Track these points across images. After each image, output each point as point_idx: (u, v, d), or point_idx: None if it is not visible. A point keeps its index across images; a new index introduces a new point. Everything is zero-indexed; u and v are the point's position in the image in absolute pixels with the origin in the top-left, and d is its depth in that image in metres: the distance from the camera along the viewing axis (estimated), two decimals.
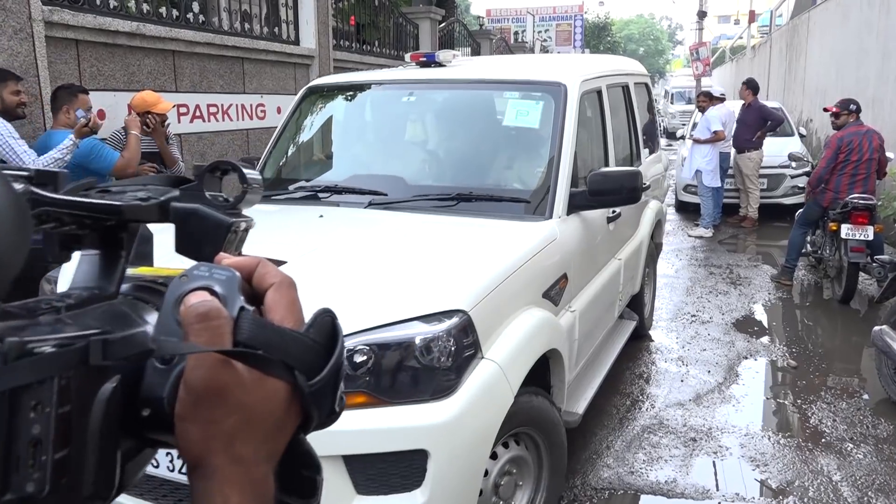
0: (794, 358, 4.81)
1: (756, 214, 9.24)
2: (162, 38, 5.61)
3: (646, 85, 5.27)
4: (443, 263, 2.45)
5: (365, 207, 3.01)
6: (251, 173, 0.57)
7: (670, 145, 18.09)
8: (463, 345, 2.13)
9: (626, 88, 4.45)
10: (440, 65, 3.70)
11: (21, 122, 4.36)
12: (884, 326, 3.93)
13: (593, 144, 3.71)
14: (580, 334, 3.06)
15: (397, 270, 2.40)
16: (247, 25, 6.96)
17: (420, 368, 2.07)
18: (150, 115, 4.66)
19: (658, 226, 5.09)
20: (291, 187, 3.43)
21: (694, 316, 5.70)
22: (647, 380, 4.48)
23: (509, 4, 32.47)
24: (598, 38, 37.32)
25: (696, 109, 9.76)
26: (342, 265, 2.46)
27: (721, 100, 9.11)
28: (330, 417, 0.50)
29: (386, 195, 3.06)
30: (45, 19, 4.51)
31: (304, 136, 3.87)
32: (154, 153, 4.88)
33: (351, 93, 3.92)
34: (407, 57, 3.94)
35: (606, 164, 3.63)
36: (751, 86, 9.21)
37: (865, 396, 4.18)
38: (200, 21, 6.18)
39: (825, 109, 6.87)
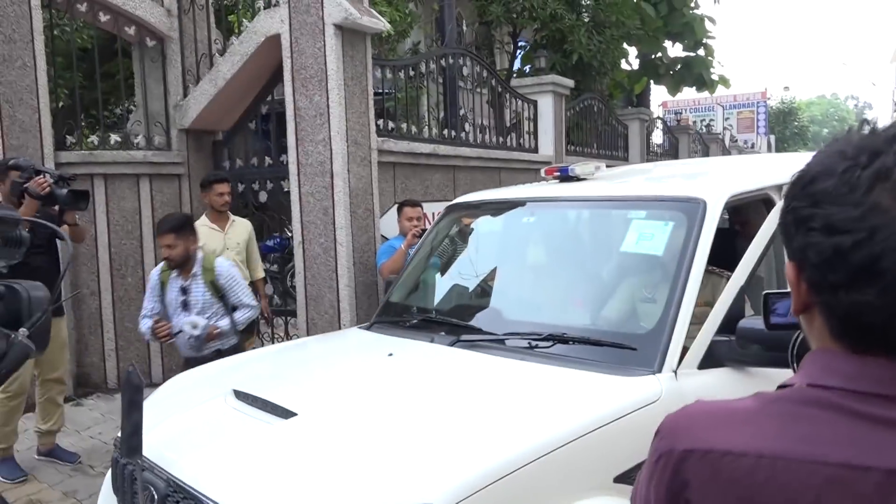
0: None
1: None
2: (448, 156, 6.57)
3: None
4: (450, 437, 1.93)
5: (450, 345, 2.64)
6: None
7: None
8: None
9: None
10: (578, 178, 3.24)
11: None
12: None
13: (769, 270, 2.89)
14: None
15: (392, 442, 1.96)
16: (500, 139, 7.89)
17: None
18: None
19: None
20: (395, 316, 3.22)
21: None
22: None
23: (682, 96, 32.62)
24: (783, 123, 36.22)
25: None
26: (340, 426, 2.12)
27: None
28: None
29: (480, 330, 2.72)
30: (378, 148, 5.54)
31: (433, 259, 3.50)
32: None
33: (486, 211, 3.56)
34: (542, 171, 3.54)
35: None
36: None
37: None
38: (473, 140, 7.14)
39: None
